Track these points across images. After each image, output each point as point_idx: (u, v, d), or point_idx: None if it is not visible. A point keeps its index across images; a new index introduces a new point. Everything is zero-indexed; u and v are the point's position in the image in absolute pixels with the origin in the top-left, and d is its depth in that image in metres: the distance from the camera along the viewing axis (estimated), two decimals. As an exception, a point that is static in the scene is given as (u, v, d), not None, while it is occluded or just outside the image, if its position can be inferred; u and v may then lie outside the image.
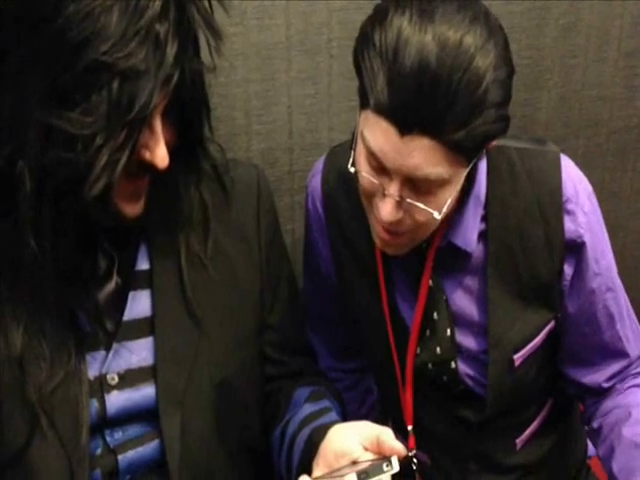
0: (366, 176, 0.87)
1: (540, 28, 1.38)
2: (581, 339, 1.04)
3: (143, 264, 0.93)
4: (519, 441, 1.09)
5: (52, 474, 0.85)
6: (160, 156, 0.80)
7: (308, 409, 0.95)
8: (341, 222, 1.06)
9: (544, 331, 1.02)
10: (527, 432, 1.09)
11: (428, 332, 1.02)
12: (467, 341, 1.02)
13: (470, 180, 0.91)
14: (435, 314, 1.01)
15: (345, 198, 1.04)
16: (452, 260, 0.99)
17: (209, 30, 0.83)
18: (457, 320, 1.01)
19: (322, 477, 0.78)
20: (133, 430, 0.91)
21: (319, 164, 1.10)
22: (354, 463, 0.77)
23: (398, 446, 0.77)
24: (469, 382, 1.04)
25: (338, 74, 1.26)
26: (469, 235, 0.97)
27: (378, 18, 0.81)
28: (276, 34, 1.21)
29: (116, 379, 0.89)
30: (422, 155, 0.81)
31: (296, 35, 1.23)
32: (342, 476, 0.74)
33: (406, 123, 0.79)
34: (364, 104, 0.83)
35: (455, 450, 1.09)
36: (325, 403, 0.98)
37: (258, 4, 1.18)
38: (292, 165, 1.30)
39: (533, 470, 1.11)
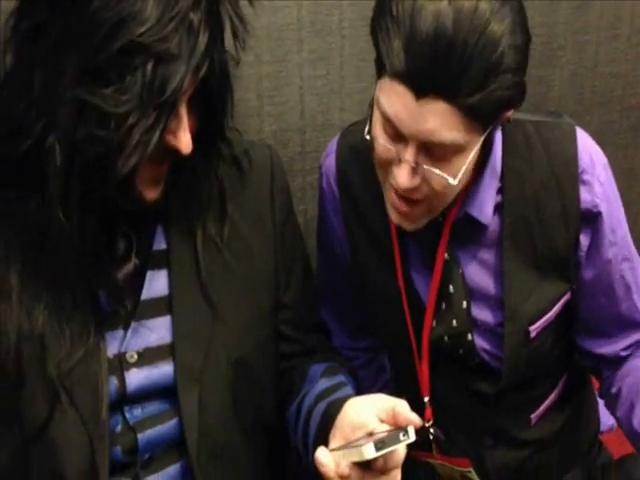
0: (382, 143, 0.88)
1: (553, 6, 1.38)
2: (598, 310, 1.04)
3: (161, 244, 0.94)
4: (534, 416, 1.10)
5: (73, 450, 0.87)
6: (185, 142, 0.82)
7: (323, 384, 0.97)
8: (356, 200, 1.07)
9: (560, 303, 1.02)
10: (542, 407, 1.10)
11: (444, 305, 1.03)
12: (483, 314, 1.03)
13: (486, 149, 0.92)
14: (451, 287, 1.02)
15: (359, 176, 1.05)
16: (468, 233, 1.00)
17: (238, 21, 0.85)
18: (473, 293, 1.02)
19: (339, 448, 0.79)
20: (152, 408, 0.92)
21: (333, 144, 1.10)
22: (370, 435, 0.78)
23: (414, 417, 0.79)
24: (485, 355, 1.05)
25: (350, 55, 1.26)
26: (485, 207, 0.98)
27: None
28: (287, 15, 1.21)
29: (135, 357, 0.91)
30: (437, 119, 0.82)
31: (307, 16, 1.23)
32: (359, 446, 0.76)
33: (422, 87, 0.80)
34: (380, 72, 0.85)
35: (470, 425, 1.10)
36: (340, 378, 0.99)
37: (269, -15, 1.18)
38: (304, 146, 1.30)
39: (546, 445, 1.12)
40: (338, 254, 1.13)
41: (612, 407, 1.09)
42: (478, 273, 1.02)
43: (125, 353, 0.91)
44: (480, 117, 0.83)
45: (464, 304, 1.02)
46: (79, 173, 0.78)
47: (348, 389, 0.96)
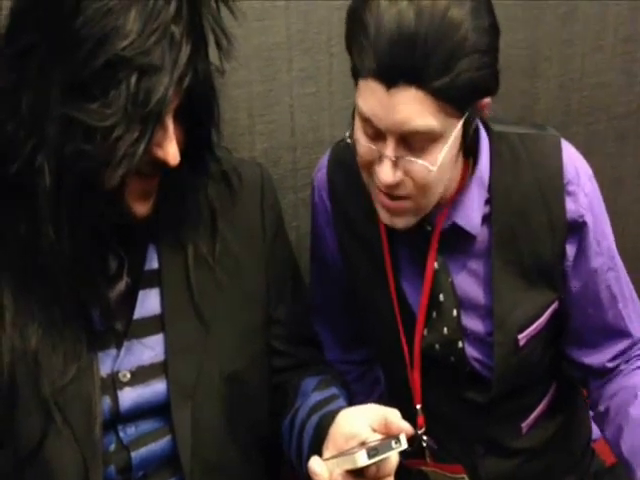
0: (364, 144, 0.91)
1: (537, 18, 1.40)
2: (585, 319, 1.06)
3: (152, 263, 0.95)
4: (524, 425, 1.11)
5: (67, 470, 0.87)
6: (171, 153, 0.83)
7: (316, 397, 0.98)
8: (347, 212, 1.09)
9: (548, 311, 1.04)
10: (532, 416, 1.11)
11: (435, 314, 1.04)
12: (472, 323, 1.05)
13: (466, 140, 0.93)
14: (441, 296, 1.03)
15: (350, 189, 1.07)
16: (457, 243, 1.02)
17: (220, 32, 0.86)
18: (462, 303, 1.04)
19: (332, 457, 0.81)
20: (145, 426, 0.93)
21: (324, 159, 1.13)
22: (363, 444, 0.80)
23: (405, 425, 0.80)
24: (475, 364, 1.06)
25: (338, 72, 1.28)
26: (473, 217, 1.00)
27: (358, 2, 0.88)
28: (277, 35, 1.23)
29: (128, 376, 0.91)
30: (409, 107, 0.85)
31: (296, 35, 1.25)
32: (352, 454, 0.77)
33: (391, 77, 0.84)
34: (356, 79, 0.89)
35: (462, 433, 1.12)
36: (333, 391, 1.00)
37: (259, 5, 1.20)
38: (295, 163, 1.32)
39: (538, 454, 1.13)
40: (331, 266, 1.15)
41: (600, 425, 1.10)
42: (467, 282, 1.04)
43: (118, 372, 0.91)
44: (452, 100, 0.85)
45: (454, 312, 1.04)
46: (68, 190, 0.79)
47: (340, 401, 0.98)
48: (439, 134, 0.87)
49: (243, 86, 1.24)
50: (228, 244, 0.99)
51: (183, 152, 0.85)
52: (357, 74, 0.89)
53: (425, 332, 1.05)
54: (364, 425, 0.81)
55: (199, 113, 0.88)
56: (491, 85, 0.88)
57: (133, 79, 0.76)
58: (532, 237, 1.01)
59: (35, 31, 0.79)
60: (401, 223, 0.96)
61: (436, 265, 1.03)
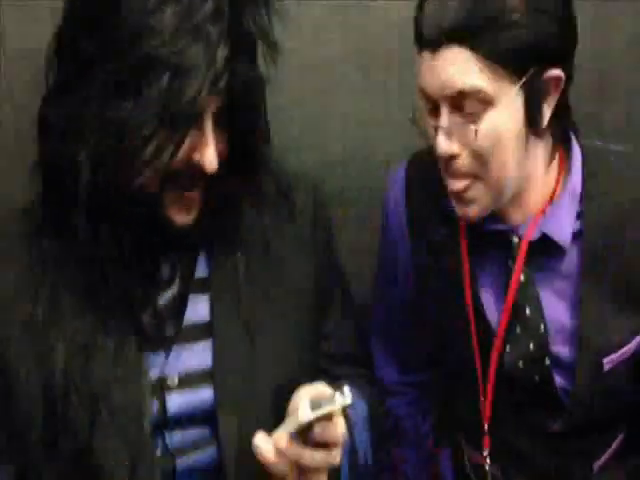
0: (430, 125, 0.92)
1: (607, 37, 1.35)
2: None
3: (203, 271, 0.95)
4: (596, 465, 1.05)
5: (115, 470, 0.87)
6: (209, 158, 0.82)
7: None
8: (425, 225, 1.07)
9: (637, 339, 0.99)
10: (606, 455, 1.05)
11: (519, 329, 1.00)
12: (554, 345, 1.00)
13: (531, 114, 0.90)
14: (527, 310, 0.99)
15: (428, 200, 1.06)
16: (545, 258, 0.98)
17: (265, 41, 0.86)
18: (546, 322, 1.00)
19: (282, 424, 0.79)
20: (191, 434, 0.92)
21: (398, 172, 1.12)
22: None
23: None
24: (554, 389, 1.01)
25: (393, 88, 1.26)
26: (564, 229, 0.96)
27: None
28: (332, 48, 1.22)
29: (176, 381, 0.91)
30: (454, 67, 0.86)
31: (352, 49, 1.23)
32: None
33: (434, 38, 0.86)
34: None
35: (529, 464, 1.06)
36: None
37: (315, 18, 1.20)
38: (346, 178, 1.30)
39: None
40: (400, 277, 1.12)
41: None
42: (552, 301, 0.99)
43: (166, 376, 0.91)
44: (500, 61, 0.84)
45: (542, 328, 0.99)
46: (103, 188, 0.81)
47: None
48: (490, 98, 0.86)
49: (296, 99, 1.23)
50: (279, 260, 0.98)
51: (228, 161, 0.85)
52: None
53: (507, 348, 1.01)
54: (304, 395, 0.80)
55: (242, 120, 0.86)
56: (554, 53, 0.87)
57: (166, 78, 0.76)
58: (625, 259, 0.97)
59: (80, 30, 0.81)
60: (473, 212, 0.95)
61: (524, 277, 0.99)
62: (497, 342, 1.01)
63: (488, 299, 1.03)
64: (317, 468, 0.80)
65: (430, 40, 0.87)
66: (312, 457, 0.78)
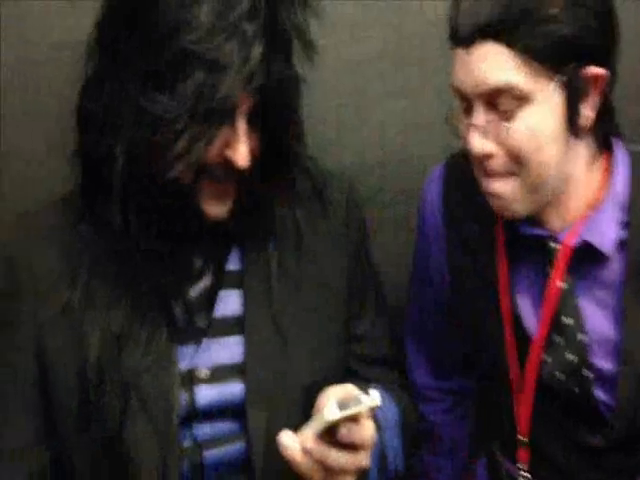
0: (464, 125, 0.90)
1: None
2: None
3: (235, 265, 0.95)
4: None
5: (144, 458, 0.87)
6: (241, 154, 0.82)
7: None
8: (460, 225, 1.05)
9: None
10: None
11: (558, 338, 0.97)
12: (595, 357, 0.96)
13: (569, 113, 0.87)
14: (567, 318, 0.96)
15: (465, 201, 1.04)
16: (586, 267, 0.95)
17: (300, 40, 0.86)
18: (586, 333, 0.96)
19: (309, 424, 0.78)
20: (220, 427, 0.92)
21: (435, 173, 1.10)
22: None
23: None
24: (596, 403, 0.97)
25: (430, 88, 1.24)
26: (607, 237, 0.93)
27: None
28: (369, 47, 1.21)
29: (205, 373, 0.91)
30: (487, 63, 0.84)
31: (389, 48, 1.22)
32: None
33: (468, 34, 0.85)
34: None
35: (570, 479, 1.02)
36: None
37: (351, 16, 1.19)
38: (383, 179, 1.28)
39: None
40: (436, 282, 1.10)
41: None
42: (593, 311, 0.96)
43: (196, 368, 0.91)
44: (536, 56, 0.82)
45: (582, 338, 0.95)
46: (136, 179, 0.82)
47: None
48: (525, 95, 0.84)
49: (332, 98, 1.21)
50: (311, 256, 0.98)
51: (261, 159, 0.86)
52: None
53: (546, 358, 0.97)
54: (331, 395, 0.79)
55: (276, 119, 0.87)
56: (593, 49, 0.84)
57: (200, 74, 0.77)
58: None
59: (118, 23, 0.82)
60: (510, 208, 0.92)
61: (563, 285, 0.95)
62: (535, 351, 0.97)
63: (524, 304, 1.00)
64: (344, 470, 0.78)
65: (464, 37, 0.85)
66: (338, 458, 0.77)
